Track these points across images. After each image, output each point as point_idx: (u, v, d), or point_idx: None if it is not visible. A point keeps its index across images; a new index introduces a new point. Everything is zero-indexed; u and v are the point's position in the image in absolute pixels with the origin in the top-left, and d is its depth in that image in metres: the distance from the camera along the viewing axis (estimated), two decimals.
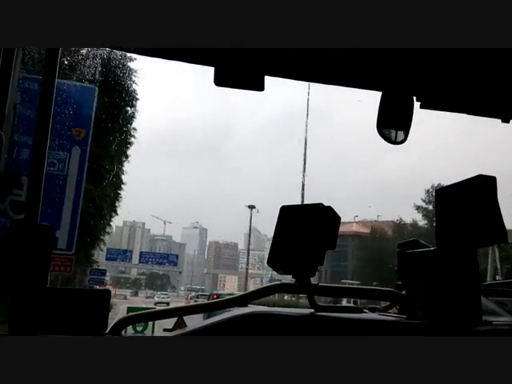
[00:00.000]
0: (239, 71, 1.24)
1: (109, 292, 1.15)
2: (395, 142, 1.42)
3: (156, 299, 40.88)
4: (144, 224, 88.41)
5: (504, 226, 1.04)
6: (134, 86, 15.26)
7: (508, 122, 1.42)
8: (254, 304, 1.11)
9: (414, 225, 42.03)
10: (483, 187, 1.06)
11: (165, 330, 1.23)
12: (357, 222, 50.71)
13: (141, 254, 51.01)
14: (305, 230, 1.04)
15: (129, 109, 15.55)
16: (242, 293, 1.16)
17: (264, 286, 1.14)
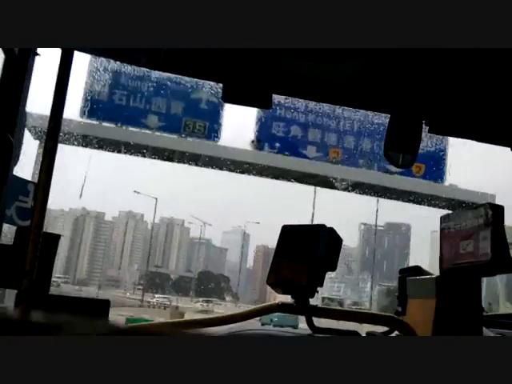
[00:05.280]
0: (247, 89, 1.25)
1: (108, 302, 1.15)
2: (401, 166, 1.41)
3: (155, 302, 40.48)
4: (183, 222, 72.60)
5: (510, 257, 1.02)
6: None
7: None
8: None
9: None
10: (490, 216, 1.05)
11: None
12: None
13: None
14: (305, 251, 1.04)
15: None
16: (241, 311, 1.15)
17: (262, 304, 1.14)
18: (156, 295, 46.17)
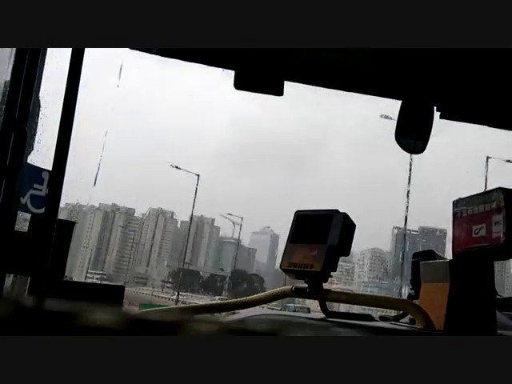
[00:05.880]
0: (259, 75, 1.25)
1: (123, 288, 1.17)
2: (413, 152, 1.41)
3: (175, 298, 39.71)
4: (213, 220, 70.70)
5: None
6: None
7: None
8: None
9: None
10: (502, 200, 1.05)
11: None
12: None
13: None
14: (319, 236, 1.04)
15: None
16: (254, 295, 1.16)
17: (276, 289, 1.14)
18: (175, 292, 44.74)
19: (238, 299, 1.14)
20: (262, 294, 1.14)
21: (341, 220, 1.04)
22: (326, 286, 1.05)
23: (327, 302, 1.10)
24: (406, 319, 1.18)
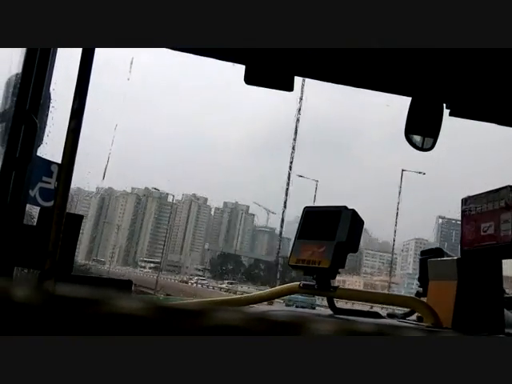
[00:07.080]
0: (269, 70, 1.25)
1: (131, 282, 1.17)
2: (422, 149, 1.41)
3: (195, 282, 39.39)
4: (248, 208, 68.33)
5: None
6: None
7: None
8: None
9: None
10: (511, 198, 1.04)
11: None
12: None
13: None
14: (327, 232, 1.04)
15: None
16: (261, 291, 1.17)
17: (283, 285, 1.14)
18: (195, 278, 43.16)
19: (247, 295, 1.14)
20: (271, 290, 1.14)
21: (349, 216, 1.04)
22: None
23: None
24: (414, 317, 1.19)
